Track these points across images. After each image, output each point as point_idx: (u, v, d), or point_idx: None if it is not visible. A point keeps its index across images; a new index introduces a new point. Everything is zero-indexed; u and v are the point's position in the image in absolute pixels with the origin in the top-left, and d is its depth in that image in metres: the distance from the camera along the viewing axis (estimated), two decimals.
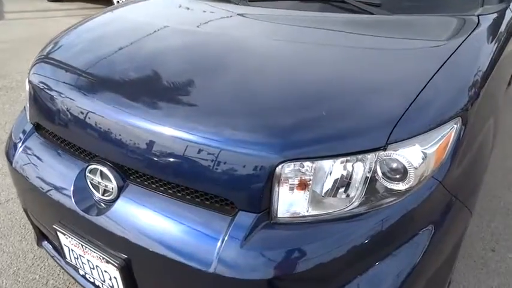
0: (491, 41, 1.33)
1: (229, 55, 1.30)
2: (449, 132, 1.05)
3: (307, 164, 0.97)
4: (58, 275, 1.84)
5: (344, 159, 0.98)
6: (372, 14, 1.47)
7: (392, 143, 0.97)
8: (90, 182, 1.21)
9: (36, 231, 1.60)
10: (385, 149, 0.97)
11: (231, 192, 1.01)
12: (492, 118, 1.37)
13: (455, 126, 1.07)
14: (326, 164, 0.98)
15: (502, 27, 1.44)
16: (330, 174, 0.99)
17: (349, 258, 0.98)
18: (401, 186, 1.00)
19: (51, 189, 1.29)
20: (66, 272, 1.46)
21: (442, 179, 1.06)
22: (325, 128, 0.99)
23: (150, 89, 1.20)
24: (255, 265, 0.96)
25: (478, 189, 1.29)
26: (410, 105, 1.01)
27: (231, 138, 0.99)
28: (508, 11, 1.56)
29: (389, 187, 1.00)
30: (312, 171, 0.98)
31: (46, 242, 1.59)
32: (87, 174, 1.21)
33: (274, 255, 0.97)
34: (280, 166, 0.96)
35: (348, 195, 1.00)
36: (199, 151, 1.01)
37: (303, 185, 0.99)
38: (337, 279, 1.01)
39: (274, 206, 1.00)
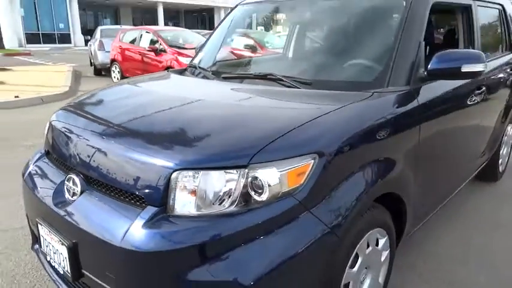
0: (374, 111, 1.73)
1: (171, 107, 1.85)
2: (307, 163, 1.43)
3: (195, 173, 1.39)
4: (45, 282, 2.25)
5: (223, 172, 1.38)
6: (298, 88, 1.96)
7: (253, 164, 1.37)
8: (66, 187, 1.69)
9: (32, 234, 2.07)
10: (246, 167, 1.37)
11: (143, 192, 1.44)
12: (368, 168, 1.67)
13: (313, 161, 1.44)
14: (210, 174, 1.39)
15: (393, 103, 1.82)
16: (213, 182, 1.39)
17: (216, 243, 1.34)
18: (261, 198, 1.38)
19: (42, 194, 1.79)
20: (45, 269, 1.87)
21: (302, 199, 1.41)
22: (209, 148, 1.45)
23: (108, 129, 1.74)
24: (147, 242, 1.34)
25: (350, 216, 1.54)
26: (276, 139, 1.43)
27: (144, 153, 1.48)
28: (413, 95, 1.92)
29: (254, 197, 1.38)
30: (199, 179, 1.39)
31: (37, 245, 2.04)
32: (65, 182, 1.71)
33: (164, 236, 1.35)
34: (175, 173, 1.39)
35: (226, 200, 1.38)
36: (123, 162, 1.51)
37: (191, 190, 1.40)
38: (207, 254, 1.34)
39: (170, 203, 1.40)
